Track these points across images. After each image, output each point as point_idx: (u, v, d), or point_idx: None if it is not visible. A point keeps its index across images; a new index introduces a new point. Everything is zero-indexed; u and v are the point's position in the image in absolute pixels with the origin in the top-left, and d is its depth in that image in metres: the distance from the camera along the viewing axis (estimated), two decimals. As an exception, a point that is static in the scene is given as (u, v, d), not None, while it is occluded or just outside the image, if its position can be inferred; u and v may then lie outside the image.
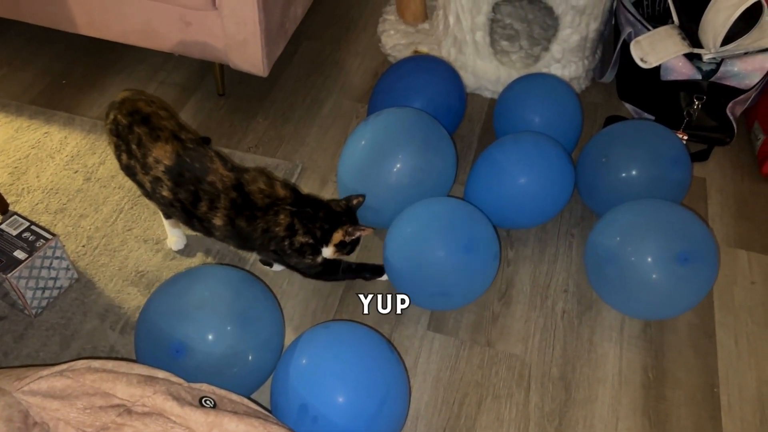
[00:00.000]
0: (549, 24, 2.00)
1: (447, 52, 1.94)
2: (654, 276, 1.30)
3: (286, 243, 1.29)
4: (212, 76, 1.87)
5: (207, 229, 1.30)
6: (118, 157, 1.32)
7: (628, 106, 1.90)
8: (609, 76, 1.94)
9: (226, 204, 1.25)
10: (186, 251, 1.49)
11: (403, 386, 1.14)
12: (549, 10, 1.77)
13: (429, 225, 1.32)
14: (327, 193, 1.64)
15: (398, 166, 1.41)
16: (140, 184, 1.32)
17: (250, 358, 1.16)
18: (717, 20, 1.63)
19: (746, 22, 1.63)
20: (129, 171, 1.32)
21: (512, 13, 2.06)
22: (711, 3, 1.65)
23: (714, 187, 1.73)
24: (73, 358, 1.28)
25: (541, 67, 1.86)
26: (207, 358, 1.11)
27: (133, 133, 1.26)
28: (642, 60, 1.70)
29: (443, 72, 1.69)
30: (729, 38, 1.64)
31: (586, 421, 1.27)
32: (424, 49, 2.00)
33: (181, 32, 1.65)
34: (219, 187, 1.25)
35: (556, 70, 1.86)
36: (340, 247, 1.34)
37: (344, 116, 1.85)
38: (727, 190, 1.72)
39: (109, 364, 0.99)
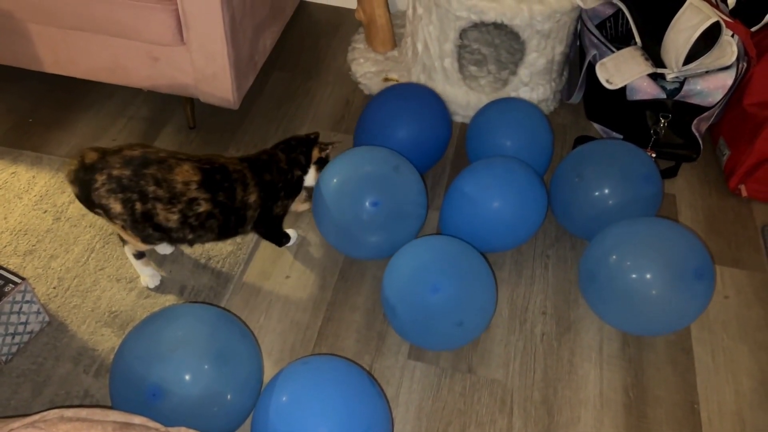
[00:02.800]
0: (516, 48, 2.03)
1: (416, 78, 1.96)
2: (672, 292, 1.31)
3: (288, 177, 1.47)
4: (182, 110, 1.86)
5: (241, 218, 1.40)
6: (131, 211, 1.29)
7: (596, 126, 1.94)
8: (576, 97, 1.97)
9: (250, 174, 1.40)
10: (160, 288, 1.47)
11: (385, 420, 1.13)
12: (515, 35, 1.80)
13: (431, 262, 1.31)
14: (303, 223, 1.63)
15: (367, 204, 1.40)
16: (159, 227, 1.32)
17: (228, 397, 1.14)
18: (678, 41, 1.68)
19: (706, 41, 1.67)
20: (146, 217, 1.30)
21: (479, 38, 2.09)
22: (671, 24, 1.69)
23: (684, 203, 1.76)
24: (46, 404, 1.25)
25: (509, 90, 1.89)
26: (185, 401, 1.09)
27: (144, 177, 1.28)
28: (608, 81, 1.74)
29: (431, 100, 1.70)
30: (690, 58, 1.68)
31: (569, 445, 1.27)
32: (393, 76, 2.02)
33: (149, 68, 1.64)
34: (240, 169, 1.39)
35: (524, 93, 1.89)
36: (320, 164, 1.52)
37: (317, 145, 1.85)
38: (696, 205, 1.76)
39: (83, 412, 0.96)
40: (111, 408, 1.11)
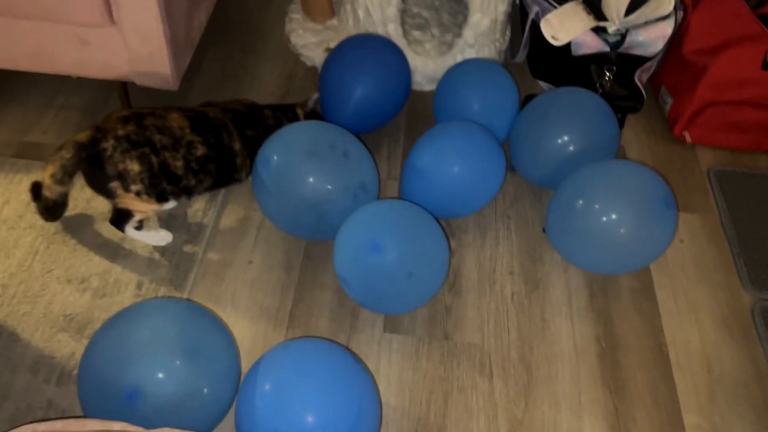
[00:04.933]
0: (457, 9, 2.01)
1: (360, 46, 1.91)
2: (646, 223, 1.35)
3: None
4: (116, 96, 1.75)
5: (233, 165, 1.45)
6: (149, 165, 1.31)
7: (542, 83, 1.94)
8: (521, 56, 1.97)
9: (232, 125, 1.44)
10: (116, 286, 1.39)
11: (374, 397, 1.11)
12: (456, -4, 1.78)
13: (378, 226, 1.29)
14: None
15: (311, 180, 1.35)
16: (173, 178, 1.35)
17: (205, 391, 1.09)
18: (618, -7, 1.69)
19: (644, -8, 1.69)
20: (163, 168, 1.33)
21: (419, 1, 2.05)
22: (610, -23, 1.71)
23: (632, 154, 1.79)
24: (7, 421, 1.17)
25: (455, 53, 1.86)
26: (161, 400, 1.04)
27: (148, 129, 1.31)
28: (553, 38, 1.74)
29: (388, 50, 1.69)
30: (630, 9, 1.70)
31: (551, 399, 1.28)
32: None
33: (78, 52, 1.53)
34: (221, 117, 1.43)
35: (470, 55, 1.87)
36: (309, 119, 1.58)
37: (264, 123, 1.78)
38: (644, 155, 1.80)
39: (58, 425, 0.90)
40: (84, 416, 1.05)
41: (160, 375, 1.05)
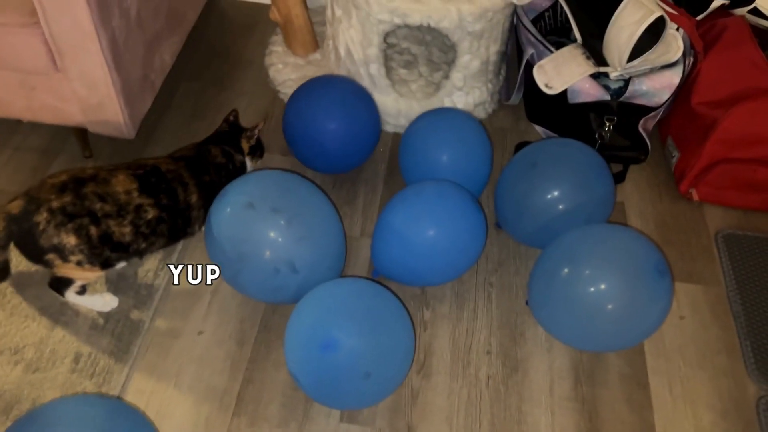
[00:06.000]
0: (448, 45, 1.86)
1: (341, 85, 1.77)
2: (638, 292, 1.22)
3: (230, 167, 1.45)
4: (75, 137, 1.64)
5: (187, 220, 1.35)
6: (87, 237, 1.21)
7: (538, 128, 1.79)
8: (516, 98, 1.82)
9: (188, 174, 1.35)
10: (52, 359, 1.27)
11: None
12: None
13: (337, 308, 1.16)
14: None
15: (235, 231, 1.23)
16: (117, 246, 1.25)
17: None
18: (621, 38, 1.53)
19: (650, 36, 1.53)
20: (104, 239, 1.22)
21: (408, 35, 1.90)
22: (612, 20, 1.55)
23: (633, 212, 1.64)
24: None
25: (442, 96, 1.72)
26: None
27: (86, 197, 1.21)
28: (547, 86, 1.59)
29: (356, 93, 1.58)
30: (634, 54, 1.54)
31: None
32: (316, 83, 1.82)
33: (25, 98, 1.42)
34: (174, 169, 1.34)
35: (459, 98, 1.72)
36: (252, 152, 1.52)
37: (233, 169, 1.65)
38: (646, 213, 1.64)
39: None
40: None
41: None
